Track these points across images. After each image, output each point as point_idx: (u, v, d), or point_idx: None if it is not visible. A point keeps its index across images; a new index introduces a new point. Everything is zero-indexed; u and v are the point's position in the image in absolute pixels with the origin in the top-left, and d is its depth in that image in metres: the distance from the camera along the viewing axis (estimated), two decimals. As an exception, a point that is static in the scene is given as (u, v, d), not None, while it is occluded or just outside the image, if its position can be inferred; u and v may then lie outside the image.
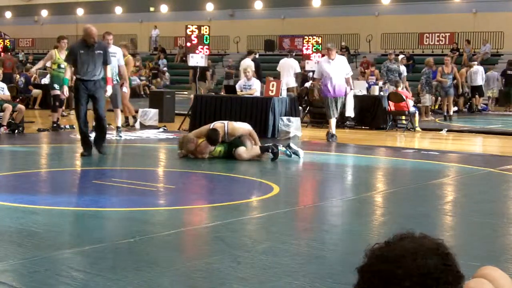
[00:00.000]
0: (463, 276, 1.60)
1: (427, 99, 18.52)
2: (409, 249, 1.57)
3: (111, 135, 12.89)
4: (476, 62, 24.77)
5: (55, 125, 13.91)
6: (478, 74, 22.83)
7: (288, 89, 17.36)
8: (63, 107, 17.68)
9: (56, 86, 13.91)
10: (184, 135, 9.57)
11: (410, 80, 22.20)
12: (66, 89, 10.15)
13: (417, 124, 15.73)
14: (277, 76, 17.53)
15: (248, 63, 17.60)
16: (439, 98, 20.01)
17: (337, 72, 12.67)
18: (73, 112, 18.53)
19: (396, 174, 9.39)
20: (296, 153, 9.93)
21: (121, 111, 13.58)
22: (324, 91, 12.79)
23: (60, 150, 11.57)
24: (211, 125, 9.64)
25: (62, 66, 13.69)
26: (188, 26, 15.58)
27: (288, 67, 17.89)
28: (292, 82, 17.73)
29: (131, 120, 14.97)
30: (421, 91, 18.69)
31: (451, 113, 18.96)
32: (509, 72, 24.31)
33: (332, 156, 10.79)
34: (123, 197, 7.04)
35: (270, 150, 9.62)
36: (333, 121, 12.86)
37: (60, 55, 13.90)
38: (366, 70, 25.81)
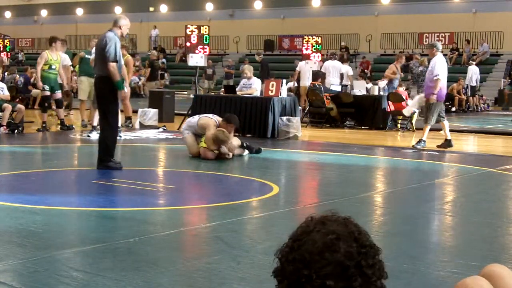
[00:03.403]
0: (379, 249, 1.58)
1: None
2: (317, 244, 1.55)
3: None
4: (473, 62, 24.94)
5: (44, 125, 13.77)
6: (472, 74, 22.96)
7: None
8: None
9: (46, 87, 13.48)
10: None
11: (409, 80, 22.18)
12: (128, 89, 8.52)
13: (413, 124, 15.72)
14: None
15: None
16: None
17: (426, 73, 11.92)
18: (73, 112, 18.62)
19: (396, 174, 9.39)
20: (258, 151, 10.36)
21: (121, 111, 13.56)
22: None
23: (60, 150, 11.57)
24: (216, 122, 9.77)
25: (53, 67, 13.49)
26: (188, 26, 15.59)
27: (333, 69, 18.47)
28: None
29: (134, 120, 14.93)
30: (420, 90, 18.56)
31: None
32: None
33: (331, 156, 10.79)
34: (123, 197, 7.04)
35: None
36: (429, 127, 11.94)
37: (52, 56, 13.46)
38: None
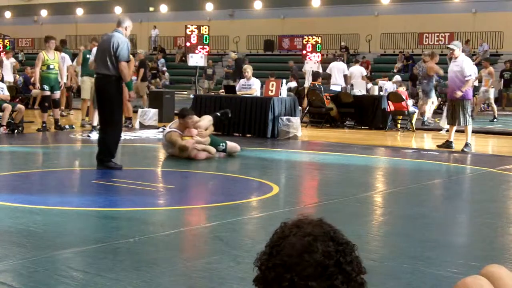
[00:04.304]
0: (354, 245, 1.60)
1: None
2: (295, 246, 1.55)
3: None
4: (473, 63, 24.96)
5: (44, 125, 13.76)
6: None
7: None
8: (63, 107, 17.72)
9: (45, 87, 13.52)
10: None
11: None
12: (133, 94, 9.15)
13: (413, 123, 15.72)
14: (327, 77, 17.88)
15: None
16: (439, 98, 19.95)
17: (452, 73, 11.72)
18: (72, 112, 18.62)
19: (396, 174, 9.39)
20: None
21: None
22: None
23: (60, 150, 11.57)
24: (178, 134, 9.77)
25: (51, 67, 13.52)
26: (188, 26, 15.61)
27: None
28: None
29: (134, 120, 14.94)
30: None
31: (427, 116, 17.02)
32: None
33: (331, 156, 10.79)
34: (123, 197, 7.04)
35: None
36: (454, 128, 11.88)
37: (48, 56, 13.47)
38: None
